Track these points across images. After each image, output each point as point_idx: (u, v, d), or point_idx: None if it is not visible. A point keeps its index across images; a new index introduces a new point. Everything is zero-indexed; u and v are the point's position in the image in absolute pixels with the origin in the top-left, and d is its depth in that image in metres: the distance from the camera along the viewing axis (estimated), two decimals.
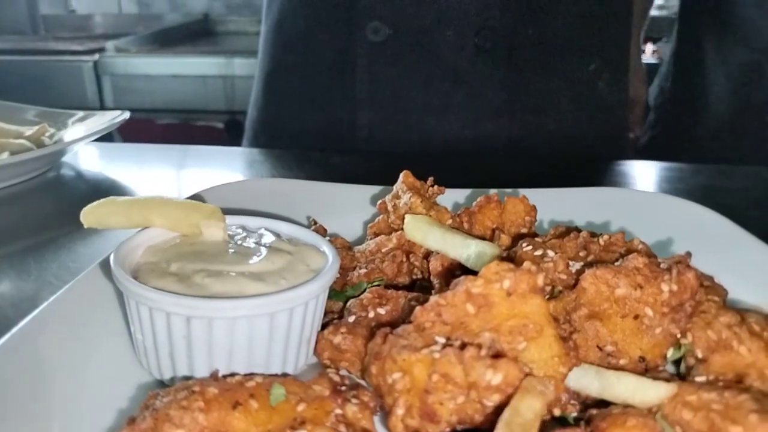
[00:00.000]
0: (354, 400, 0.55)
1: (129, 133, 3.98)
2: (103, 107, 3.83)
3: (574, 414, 0.55)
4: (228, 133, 3.90)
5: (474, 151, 1.65)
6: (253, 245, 0.68)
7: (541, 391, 0.49)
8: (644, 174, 1.62)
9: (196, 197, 0.97)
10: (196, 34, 4.50)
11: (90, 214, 0.69)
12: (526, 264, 0.57)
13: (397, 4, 1.58)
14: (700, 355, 0.59)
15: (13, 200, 1.32)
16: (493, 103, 1.64)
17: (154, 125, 3.94)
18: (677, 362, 0.62)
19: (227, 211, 0.94)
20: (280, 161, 1.64)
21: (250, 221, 0.75)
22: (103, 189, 1.44)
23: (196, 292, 0.59)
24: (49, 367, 0.59)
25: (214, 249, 0.66)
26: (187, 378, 0.59)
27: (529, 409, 0.48)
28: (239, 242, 0.68)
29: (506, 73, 1.61)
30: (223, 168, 1.67)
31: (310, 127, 1.76)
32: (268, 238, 0.70)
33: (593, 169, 1.63)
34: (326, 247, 0.70)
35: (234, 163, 1.69)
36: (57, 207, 1.32)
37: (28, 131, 1.52)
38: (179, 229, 0.69)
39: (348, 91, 1.67)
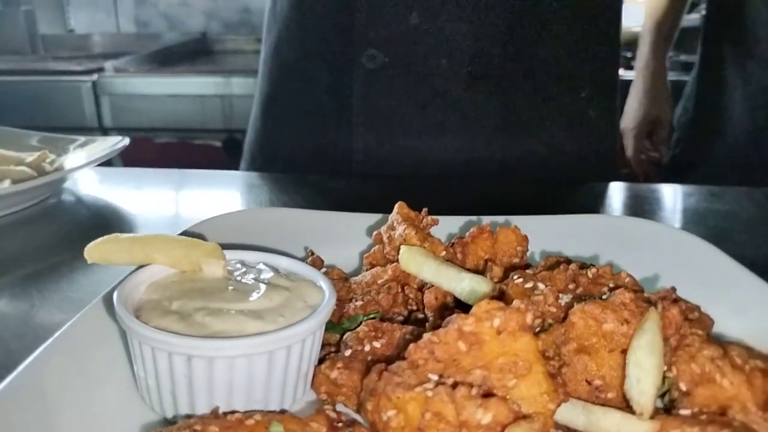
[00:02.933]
0: None
1: (127, 152, 4.00)
2: (101, 127, 3.87)
3: None
4: (226, 152, 3.94)
5: (467, 175, 1.68)
6: (251, 281, 0.70)
7: (529, 428, 0.51)
8: (635, 196, 1.65)
9: (197, 228, 1.00)
10: (194, 54, 4.55)
11: (94, 251, 0.71)
12: (516, 302, 0.59)
13: (392, 33, 1.62)
14: (684, 388, 0.61)
15: (14, 228, 1.33)
16: (486, 128, 1.67)
17: (152, 144, 3.97)
18: (662, 395, 0.64)
19: (227, 241, 0.97)
20: (278, 185, 1.67)
21: (249, 256, 0.78)
22: (104, 215, 1.46)
23: (197, 330, 0.61)
24: (54, 404, 0.60)
25: (214, 286, 0.68)
26: (188, 416, 0.61)
27: None
28: (238, 278, 0.70)
29: (498, 100, 1.65)
30: (222, 192, 1.70)
31: (307, 150, 1.79)
32: (267, 274, 0.72)
33: (583, 192, 1.66)
34: (323, 282, 0.72)
35: (233, 187, 1.71)
36: (59, 234, 1.33)
37: (29, 158, 1.54)
38: (180, 266, 0.72)
39: (344, 116, 1.70)
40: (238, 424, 0.56)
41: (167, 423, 0.61)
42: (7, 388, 0.60)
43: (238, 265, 0.74)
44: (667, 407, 0.64)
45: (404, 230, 0.88)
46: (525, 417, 0.53)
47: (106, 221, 1.43)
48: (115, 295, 0.65)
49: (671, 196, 1.65)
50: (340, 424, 0.59)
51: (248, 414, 0.57)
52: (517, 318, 0.58)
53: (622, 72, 3.83)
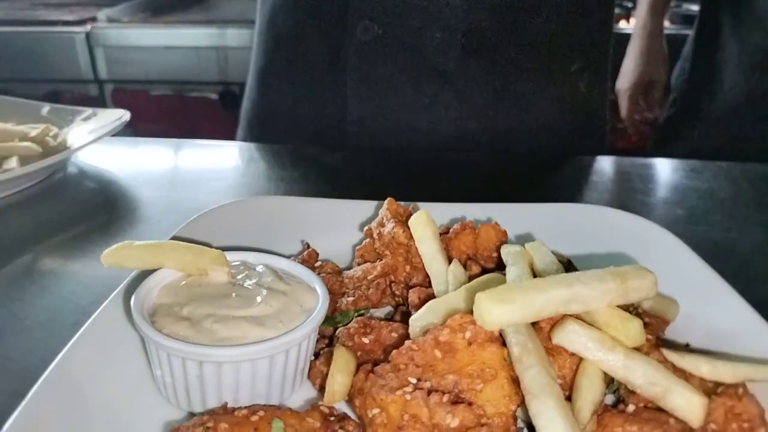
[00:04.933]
0: (341, 431, 0.66)
1: (124, 105, 4.01)
2: (97, 79, 3.86)
3: None
4: (222, 105, 3.94)
5: (459, 148, 1.74)
6: (253, 287, 0.77)
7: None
8: (618, 171, 1.71)
9: (200, 219, 1.07)
10: (188, 0, 4.45)
11: (109, 257, 0.79)
12: None
13: (387, 5, 1.63)
14: (630, 387, 0.71)
15: (25, 206, 1.40)
16: (478, 101, 1.71)
17: (148, 96, 3.97)
18: (614, 391, 0.74)
19: (228, 231, 1.04)
20: (276, 159, 1.72)
21: (251, 257, 0.85)
22: (111, 190, 1.52)
23: (206, 336, 0.69)
24: (85, 399, 0.70)
25: (219, 291, 0.76)
26: (202, 413, 0.70)
27: None
28: (241, 283, 0.78)
29: (491, 73, 1.68)
30: (221, 163, 1.75)
31: (302, 122, 1.84)
32: (267, 278, 0.80)
33: (571, 166, 1.72)
34: (317, 285, 0.80)
35: (232, 159, 1.77)
36: (68, 211, 1.40)
37: (33, 132, 1.59)
38: (188, 271, 0.79)
39: (339, 88, 1.74)
40: (244, 420, 0.65)
41: (191, 415, 0.71)
42: (42, 387, 0.68)
43: (241, 268, 0.82)
44: (616, 401, 0.73)
45: (392, 228, 0.95)
46: (487, 423, 0.62)
47: (112, 195, 1.49)
48: (132, 302, 0.73)
49: (654, 171, 1.71)
50: (332, 418, 0.68)
51: (253, 409, 0.67)
52: (486, 331, 0.66)
53: (624, 25, 3.77)
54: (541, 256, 0.81)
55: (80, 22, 3.78)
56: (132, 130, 1.62)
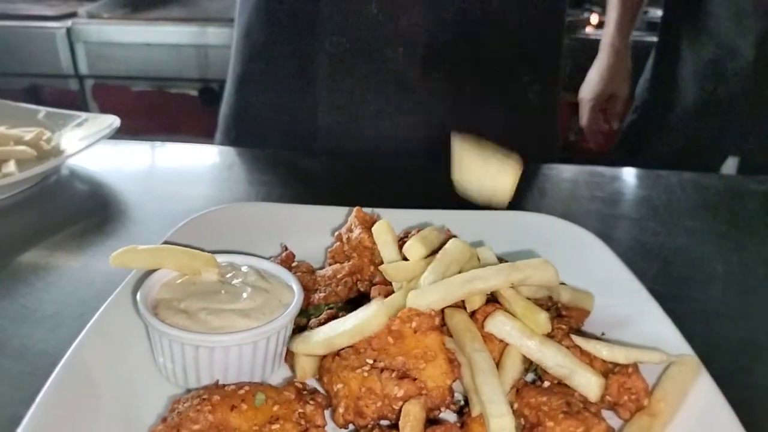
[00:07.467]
0: (311, 402, 0.82)
1: (105, 101, 4.09)
2: (77, 75, 3.92)
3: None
4: (202, 102, 4.04)
5: (419, 154, 1.90)
6: (240, 284, 0.93)
7: (423, 401, 0.77)
8: (564, 178, 1.88)
9: (190, 223, 1.21)
10: None
11: (117, 258, 0.93)
12: (429, 310, 0.84)
13: (354, 22, 1.78)
14: (544, 368, 0.88)
15: (23, 207, 1.51)
16: (438, 110, 1.87)
17: (128, 92, 4.04)
18: (534, 370, 0.91)
19: (216, 234, 1.19)
20: (256, 164, 1.87)
21: (237, 259, 1.00)
22: (103, 192, 1.64)
23: (201, 326, 0.84)
24: (99, 381, 0.84)
25: (211, 289, 0.91)
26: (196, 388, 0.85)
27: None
28: (230, 281, 0.93)
29: (449, 85, 1.84)
30: (204, 166, 1.89)
31: (276, 128, 1.98)
32: (251, 277, 0.95)
33: (523, 171, 1.88)
34: (294, 283, 0.96)
35: (216, 164, 1.90)
36: (64, 210, 1.52)
37: (27, 136, 1.70)
38: (184, 271, 0.94)
39: (310, 97, 1.88)
40: (233, 393, 0.80)
41: (188, 391, 0.86)
42: (61, 371, 0.82)
43: (229, 268, 0.97)
44: (535, 378, 0.91)
45: (359, 234, 1.11)
46: (426, 394, 0.78)
47: (105, 198, 1.61)
48: (138, 297, 0.88)
49: (598, 179, 1.89)
50: (304, 392, 0.84)
51: (240, 385, 0.82)
52: (429, 321, 0.83)
53: (590, 30, 3.93)
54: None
55: (61, 17, 3.83)
56: None
